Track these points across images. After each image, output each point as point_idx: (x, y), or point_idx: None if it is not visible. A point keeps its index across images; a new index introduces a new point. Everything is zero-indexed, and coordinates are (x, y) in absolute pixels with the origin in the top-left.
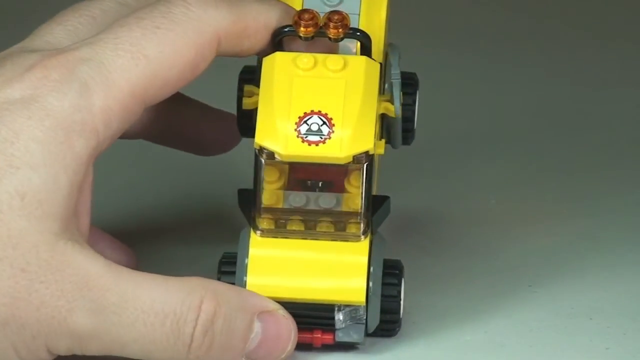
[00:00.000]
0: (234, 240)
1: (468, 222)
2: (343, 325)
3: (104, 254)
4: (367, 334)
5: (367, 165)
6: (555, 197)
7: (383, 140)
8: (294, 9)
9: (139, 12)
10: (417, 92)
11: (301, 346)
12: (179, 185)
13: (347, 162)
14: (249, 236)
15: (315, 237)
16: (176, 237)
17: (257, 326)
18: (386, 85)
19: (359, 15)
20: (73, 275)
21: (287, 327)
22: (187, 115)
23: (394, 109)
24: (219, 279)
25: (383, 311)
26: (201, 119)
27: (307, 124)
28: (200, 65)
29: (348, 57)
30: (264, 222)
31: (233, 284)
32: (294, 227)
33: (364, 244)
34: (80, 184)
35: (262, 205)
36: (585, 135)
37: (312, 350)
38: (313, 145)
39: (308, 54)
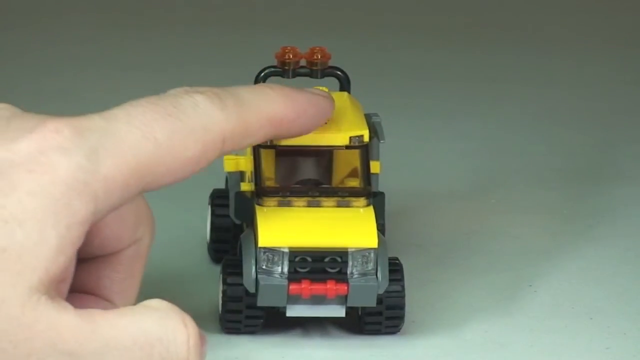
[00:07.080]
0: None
1: (468, 222)
2: (354, 272)
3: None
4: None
5: (364, 148)
6: (555, 197)
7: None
8: (295, 91)
9: (151, 97)
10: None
11: (301, 336)
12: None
13: (344, 143)
14: (251, 241)
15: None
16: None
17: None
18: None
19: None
20: (45, 332)
21: None
22: None
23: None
24: (224, 280)
25: (388, 308)
26: None
27: None
28: (202, 162)
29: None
30: (267, 202)
31: (240, 284)
32: (298, 204)
33: (369, 208)
34: (74, 241)
35: (265, 186)
36: (585, 134)
37: (311, 345)
38: None
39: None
